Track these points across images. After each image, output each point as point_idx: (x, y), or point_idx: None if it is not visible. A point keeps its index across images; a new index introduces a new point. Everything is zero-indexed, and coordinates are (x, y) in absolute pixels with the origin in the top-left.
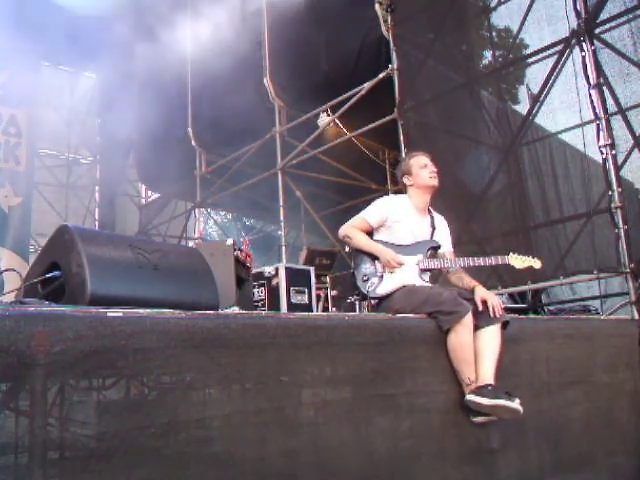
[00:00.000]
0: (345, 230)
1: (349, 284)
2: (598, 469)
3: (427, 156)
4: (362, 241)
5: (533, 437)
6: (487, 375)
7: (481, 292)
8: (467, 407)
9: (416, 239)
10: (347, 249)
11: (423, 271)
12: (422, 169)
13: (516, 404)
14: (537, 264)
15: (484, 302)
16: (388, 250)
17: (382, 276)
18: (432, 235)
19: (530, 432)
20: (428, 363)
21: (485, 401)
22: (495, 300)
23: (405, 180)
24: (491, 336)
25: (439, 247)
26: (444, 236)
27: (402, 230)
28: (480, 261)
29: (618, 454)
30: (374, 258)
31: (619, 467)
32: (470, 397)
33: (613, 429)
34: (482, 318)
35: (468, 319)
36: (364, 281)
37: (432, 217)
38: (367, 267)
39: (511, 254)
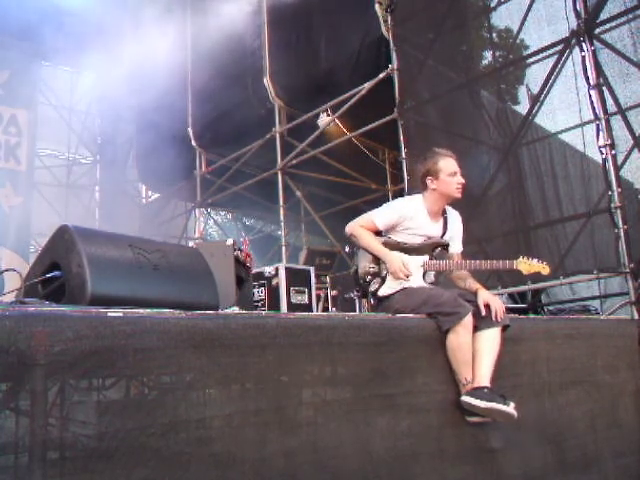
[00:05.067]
0: (353, 229)
1: (350, 281)
2: (605, 470)
3: (455, 159)
4: (370, 244)
5: (535, 437)
6: (484, 377)
7: (484, 295)
8: (462, 406)
9: (424, 240)
10: (347, 249)
11: (427, 272)
12: (451, 177)
13: (511, 408)
14: (546, 270)
15: (487, 306)
16: (397, 259)
17: (385, 277)
18: (443, 235)
19: (531, 432)
20: (428, 363)
21: (480, 403)
22: (498, 304)
23: (428, 182)
24: (491, 338)
25: (447, 246)
26: (455, 236)
27: (410, 234)
28: (487, 265)
29: (625, 455)
30: (378, 258)
31: (627, 468)
32: (465, 398)
33: (618, 429)
34: (483, 320)
35: (468, 320)
36: (367, 280)
37: (445, 218)
38: (371, 266)
39: (520, 259)
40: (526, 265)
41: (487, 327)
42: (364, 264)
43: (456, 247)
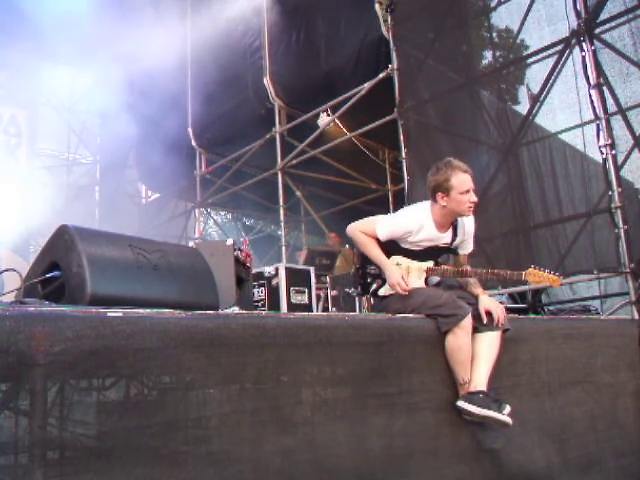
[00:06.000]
0: (353, 233)
1: (351, 280)
2: (606, 470)
3: (470, 174)
4: (371, 252)
5: (534, 437)
6: (480, 380)
7: (486, 302)
8: (457, 409)
9: (430, 246)
10: (347, 247)
11: (430, 277)
12: (463, 195)
13: (505, 416)
14: (557, 283)
15: (488, 313)
16: (396, 272)
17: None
18: (452, 241)
19: (531, 432)
20: (427, 363)
21: (475, 410)
22: (499, 310)
23: (438, 198)
24: (490, 341)
25: (455, 251)
26: (465, 240)
27: (416, 245)
28: (493, 275)
29: (626, 455)
30: None
31: (628, 468)
32: (460, 403)
33: (618, 429)
34: (483, 324)
35: (467, 322)
36: (368, 281)
37: (455, 225)
38: (372, 268)
39: (530, 269)
40: (535, 277)
41: (487, 330)
42: (366, 266)
43: (466, 249)
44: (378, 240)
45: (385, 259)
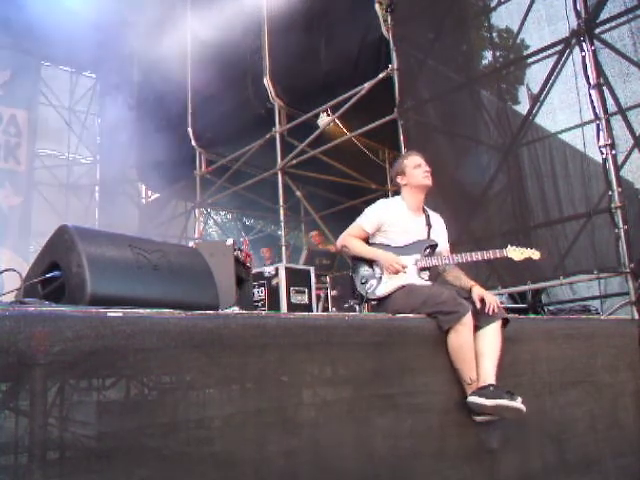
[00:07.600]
0: (343, 240)
1: (349, 287)
2: (605, 470)
3: (421, 156)
4: (361, 249)
5: (535, 437)
6: (488, 375)
7: (478, 291)
8: (468, 406)
9: (412, 239)
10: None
11: (422, 270)
12: (415, 169)
13: (518, 403)
14: (536, 255)
15: (481, 300)
16: (388, 255)
17: (381, 278)
18: (429, 234)
19: (532, 432)
20: (428, 363)
21: (487, 402)
22: (492, 297)
23: (399, 180)
24: (491, 335)
25: (436, 245)
26: (440, 234)
27: (398, 232)
28: (478, 255)
29: (626, 455)
30: (372, 261)
31: (628, 468)
32: (472, 399)
33: (619, 430)
34: (482, 318)
35: (468, 319)
36: (362, 283)
37: (427, 215)
38: (365, 269)
39: (509, 247)
40: (517, 252)
41: (487, 324)
42: (359, 269)
43: (443, 245)
44: (368, 239)
45: (373, 249)
